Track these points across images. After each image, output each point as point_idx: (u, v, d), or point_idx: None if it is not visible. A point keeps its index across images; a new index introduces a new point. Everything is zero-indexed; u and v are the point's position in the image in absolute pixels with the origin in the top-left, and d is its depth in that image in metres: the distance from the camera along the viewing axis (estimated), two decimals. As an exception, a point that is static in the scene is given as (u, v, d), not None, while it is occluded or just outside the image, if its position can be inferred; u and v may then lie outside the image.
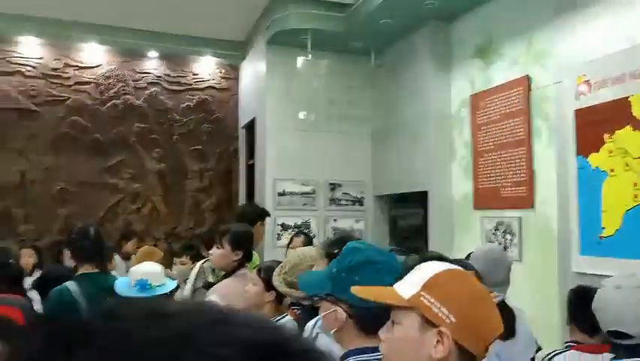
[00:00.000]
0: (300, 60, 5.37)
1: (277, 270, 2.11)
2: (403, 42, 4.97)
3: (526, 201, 3.69)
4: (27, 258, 4.52)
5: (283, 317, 2.16)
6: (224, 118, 6.82)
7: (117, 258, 5.26)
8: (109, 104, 6.45)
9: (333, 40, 5.10)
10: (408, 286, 1.03)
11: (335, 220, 5.41)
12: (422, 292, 0.99)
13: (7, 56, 6.13)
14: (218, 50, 6.60)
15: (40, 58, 6.23)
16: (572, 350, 2.01)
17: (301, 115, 5.31)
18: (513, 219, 3.81)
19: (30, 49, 6.20)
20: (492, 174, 4.08)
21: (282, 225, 5.22)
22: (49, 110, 6.23)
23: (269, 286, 2.18)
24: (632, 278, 1.78)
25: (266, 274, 2.23)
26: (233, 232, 2.63)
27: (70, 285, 2.43)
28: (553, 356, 2.03)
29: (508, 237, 3.86)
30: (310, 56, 4.93)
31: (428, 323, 0.98)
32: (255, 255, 3.21)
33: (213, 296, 2.38)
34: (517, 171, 3.79)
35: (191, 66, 6.79)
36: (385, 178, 5.31)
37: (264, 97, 5.40)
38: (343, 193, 5.47)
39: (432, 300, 0.98)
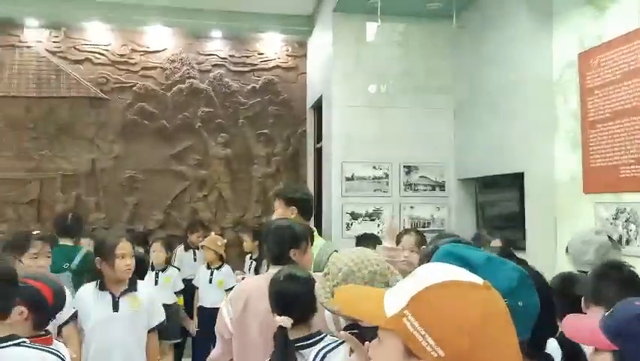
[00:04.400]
0: (369, 27, 4.77)
1: (320, 279, 1.56)
2: (491, -3, 4.23)
3: (659, 183, 2.88)
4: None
5: (339, 344, 1.56)
6: (292, 99, 6.40)
7: (179, 248, 5.05)
8: (174, 88, 6.28)
9: (406, 2, 4.47)
10: (396, 297, 0.79)
11: (412, 208, 4.79)
12: (406, 311, 0.76)
13: (76, 43, 6.10)
14: (283, 26, 6.19)
15: (108, 44, 6.15)
16: None
17: (371, 89, 4.71)
18: (639, 205, 3.00)
19: (97, 35, 6.13)
20: (608, 150, 3.27)
21: (352, 213, 4.68)
22: (118, 97, 6.16)
23: None
24: None
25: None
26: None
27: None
28: None
29: (632, 227, 3.06)
30: (380, 21, 4.30)
31: (411, 352, 0.75)
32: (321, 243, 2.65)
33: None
34: (646, 145, 2.97)
35: (256, 45, 6.43)
36: (471, 159, 4.60)
37: (331, 71, 4.89)
38: (420, 177, 4.83)
39: (416, 324, 0.75)
